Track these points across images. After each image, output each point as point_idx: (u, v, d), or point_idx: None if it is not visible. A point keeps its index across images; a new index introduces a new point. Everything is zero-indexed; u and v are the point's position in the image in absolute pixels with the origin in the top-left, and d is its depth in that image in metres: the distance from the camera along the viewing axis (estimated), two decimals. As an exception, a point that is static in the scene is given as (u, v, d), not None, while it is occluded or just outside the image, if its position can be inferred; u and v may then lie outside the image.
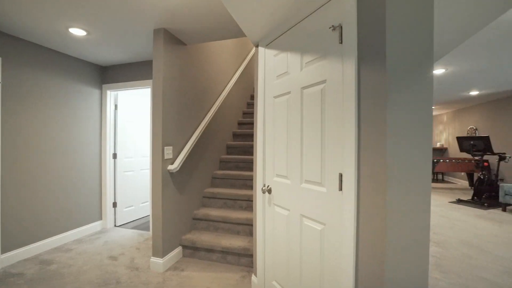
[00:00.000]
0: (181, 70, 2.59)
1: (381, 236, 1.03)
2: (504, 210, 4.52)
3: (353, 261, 1.14)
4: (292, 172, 1.55)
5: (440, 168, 6.43)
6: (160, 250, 2.33)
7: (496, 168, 5.43)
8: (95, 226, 3.35)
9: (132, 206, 3.79)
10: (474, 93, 5.34)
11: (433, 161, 6.40)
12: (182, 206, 2.64)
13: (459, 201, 5.14)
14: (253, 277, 2.03)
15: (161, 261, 2.32)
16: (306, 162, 1.44)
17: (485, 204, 4.78)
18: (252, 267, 2.40)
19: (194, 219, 2.83)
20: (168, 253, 2.41)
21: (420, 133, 1.05)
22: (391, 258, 1.03)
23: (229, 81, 3.85)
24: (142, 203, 3.98)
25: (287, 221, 1.60)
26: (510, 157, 5.42)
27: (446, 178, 8.39)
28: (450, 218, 4.07)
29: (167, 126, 2.39)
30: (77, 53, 2.99)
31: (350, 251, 1.15)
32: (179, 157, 2.49)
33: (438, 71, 3.77)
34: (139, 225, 3.64)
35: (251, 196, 2.84)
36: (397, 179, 1.03)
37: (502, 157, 5.18)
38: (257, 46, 1.99)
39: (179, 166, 2.43)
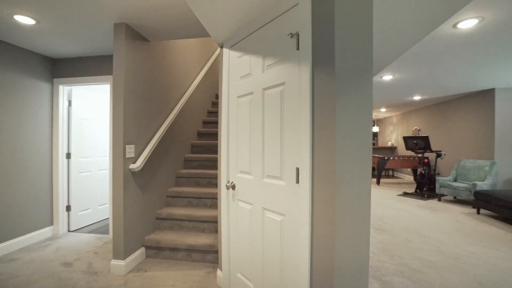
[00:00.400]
0: (144, 66, 2.53)
1: (331, 221, 1.17)
2: (440, 200, 5.19)
3: (309, 246, 1.27)
4: (255, 168, 1.64)
5: (390, 165, 7.12)
6: (122, 252, 2.26)
7: (434, 164, 6.20)
8: (45, 232, 3.09)
9: (88, 209, 3.56)
10: (417, 98, 6.03)
11: (384, 159, 7.07)
12: (145, 206, 2.58)
13: (405, 194, 5.77)
14: (218, 271, 2.09)
15: (123, 263, 2.25)
16: (267, 158, 1.54)
17: (425, 195, 5.44)
18: (217, 263, 2.45)
19: (157, 218, 2.78)
20: (130, 255, 2.35)
21: (362, 132, 1.21)
22: (339, 239, 1.17)
23: (194, 79, 3.83)
24: (100, 205, 3.76)
25: (250, 215, 1.69)
26: (445, 154, 6.22)
27: (395, 174, 9.30)
28: (396, 209, 4.56)
29: (129, 124, 2.32)
30: (24, 43, 2.73)
31: (306, 237, 1.27)
32: (141, 156, 2.44)
33: (387, 77, 4.20)
34: (97, 228, 3.44)
35: (216, 194, 2.88)
36: (344, 171, 1.17)
37: (438, 154, 5.92)
38: (221, 47, 2.05)
39: (142, 165, 2.38)
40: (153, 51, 2.70)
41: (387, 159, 7.04)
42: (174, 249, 2.51)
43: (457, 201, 5.23)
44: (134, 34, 2.38)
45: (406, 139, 5.81)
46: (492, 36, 2.62)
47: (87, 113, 3.53)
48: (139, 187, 2.48)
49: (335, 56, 1.16)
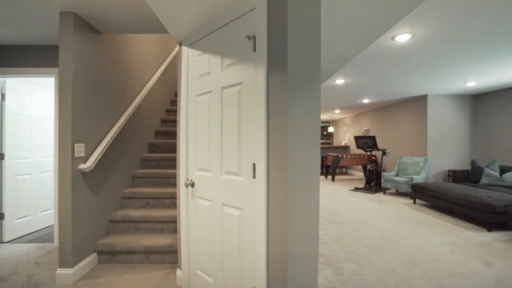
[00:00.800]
0: (95, 60, 2.37)
1: (285, 213, 1.27)
2: (385, 193, 5.79)
3: (265, 237, 1.35)
4: (214, 165, 1.67)
5: (344, 162, 7.70)
6: (70, 260, 2.10)
7: (380, 161, 6.87)
8: (-28, 244, 2.69)
9: (28, 216, 3.20)
10: (366, 101, 6.63)
11: (338, 157, 7.60)
12: (97, 208, 2.42)
13: (356, 189, 6.30)
14: (178, 271, 2.07)
15: (71, 271, 2.09)
16: (225, 155, 1.59)
17: (373, 189, 6.02)
18: (177, 263, 2.41)
19: (112, 221, 2.63)
20: (79, 262, 2.18)
21: (312, 130, 1.33)
22: (292, 229, 1.27)
23: (152, 76, 3.70)
24: (43, 211, 3.40)
25: (210, 211, 1.72)
26: (389, 152, 6.94)
27: (348, 171, 10.07)
28: (348, 203, 4.97)
29: (78, 121, 2.16)
30: None
31: (262, 229, 1.35)
32: (93, 155, 2.29)
33: (339, 80, 4.56)
34: (39, 237, 3.11)
35: (176, 193, 2.83)
36: (296, 166, 1.28)
37: (384, 152, 6.59)
38: (180, 44, 2.04)
39: (93, 165, 2.23)
40: (107, 44, 2.55)
41: (341, 157, 7.59)
42: (130, 252, 2.40)
43: (398, 193, 5.89)
44: (84, 24, 2.22)
45: (356, 138, 6.35)
46: (422, 50, 3.04)
47: (26, 109, 3.17)
48: (90, 189, 2.32)
49: (287, 60, 1.26)
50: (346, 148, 10.12)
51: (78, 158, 2.15)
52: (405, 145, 6.51)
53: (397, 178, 5.52)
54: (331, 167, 7.61)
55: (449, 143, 5.76)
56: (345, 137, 10.42)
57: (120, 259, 2.40)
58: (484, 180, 4.62)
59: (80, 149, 2.17)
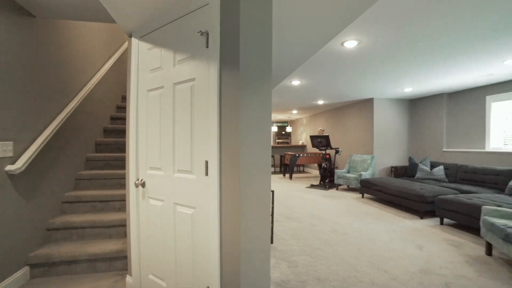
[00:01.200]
0: (27, 46, 2.09)
1: (237, 209, 1.27)
2: (337, 189, 6.21)
3: (218, 235, 1.34)
4: (165, 164, 1.61)
5: (301, 161, 8.04)
6: (-7, 275, 1.82)
7: (334, 159, 7.35)
8: None
9: None
10: (321, 102, 7.02)
11: (295, 156, 7.92)
12: (30, 215, 2.14)
13: (312, 186, 6.63)
14: (127, 277, 1.94)
15: (-5, 289, 1.81)
16: (178, 153, 1.54)
17: (327, 186, 6.40)
18: (127, 269, 2.26)
19: (49, 229, 2.35)
20: (4, 280, 1.91)
21: (263, 128, 1.37)
22: (245, 225, 1.29)
23: (100, 70, 3.40)
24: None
25: (162, 211, 1.64)
26: (341, 151, 7.44)
27: (306, 169, 10.55)
28: (304, 199, 5.21)
29: (4, 116, 1.88)
30: None
31: (215, 226, 1.34)
32: (24, 155, 2.02)
33: (296, 82, 4.75)
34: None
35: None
36: (248, 163, 1.30)
37: (337, 151, 7.06)
38: (130, 36, 1.91)
39: (25, 166, 1.97)
40: (42, 31, 2.27)
41: (298, 156, 7.92)
42: (72, 262, 2.17)
43: (350, 189, 6.36)
44: (12, 4, 1.94)
45: (312, 138, 6.70)
46: (368, 56, 3.34)
47: None
48: (21, 193, 2.04)
49: (240, 57, 1.27)
50: (303, 147, 10.59)
51: (4, 158, 1.88)
52: (355, 144, 7.07)
53: (348, 175, 5.96)
54: (289, 165, 7.89)
55: (391, 142, 6.41)
56: (302, 136, 10.90)
57: (59, 270, 2.16)
58: (418, 174, 5.25)
59: (7, 148, 1.89)
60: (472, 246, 2.85)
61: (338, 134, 8.01)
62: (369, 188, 5.01)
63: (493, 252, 2.69)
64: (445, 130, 5.66)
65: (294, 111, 9.01)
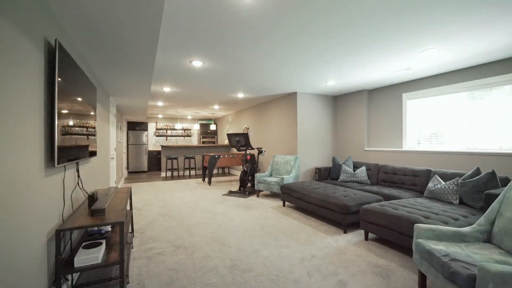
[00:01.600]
0: None
1: None
2: (258, 195, 5.32)
3: None
4: None
5: (221, 163, 6.95)
6: None
7: (256, 161, 6.49)
8: None
9: None
10: (241, 95, 6.06)
11: (214, 157, 6.78)
12: None
13: (230, 193, 5.60)
14: None
15: None
16: None
17: (247, 192, 5.46)
18: None
19: None
20: None
21: None
22: None
23: None
24: None
25: None
26: (265, 151, 6.64)
27: (231, 171, 9.55)
28: (212, 213, 4.09)
29: None
30: None
31: None
32: None
33: (197, 63, 3.58)
34: None
35: None
36: None
37: (260, 151, 6.21)
38: None
39: None
40: None
41: (217, 157, 6.82)
42: None
43: (272, 195, 5.55)
44: None
45: (229, 136, 5.68)
46: (281, 31, 2.42)
47: None
48: None
49: None
50: (229, 147, 9.57)
51: None
52: (280, 144, 6.37)
53: (270, 179, 5.13)
54: (207, 168, 6.72)
55: (316, 141, 5.90)
56: (229, 135, 9.87)
57: None
58: (342, 177, 4.76)
59: None
60: (403, 275, 2.19)
61: (263, 132, 7.23)
62: (290, 196, 4.24)
63: (428, 283, 2.07)
64: (366, 128, 5.39)
65: (216, 106, 7.88)
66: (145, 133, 9.86)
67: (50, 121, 1.67)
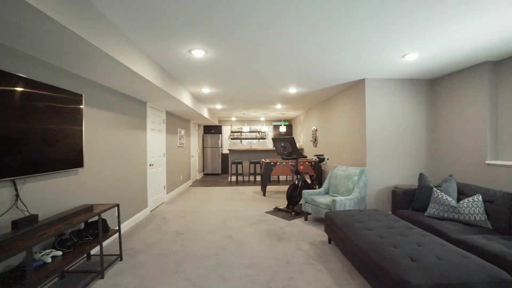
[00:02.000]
0: None
1: None
2: (306, 219, 4.06)
3: None
4: None
5: (277, 171, 5.97)
6: None
7: (314, 172, 5.16)
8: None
9: None
10: (293, 90, 4.92)
11: (270, 164, 5.89)
12: None
13: (275, 210, 4.58)
14: None
15: None
16: None
17: (293, 213, 4.30)
18: None
19: None
20: None
21: None
22: None
23: None
24: None
25: None
26: (328, 159, 5.22)
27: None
28: (231, 239, 3.25)
29: None
30: None
31: None
32: None
33: (198, 53, 2.84)
34: None
35: None
36: None
37: (321, 159, 4.88)
38: None
39: None
40: None
41: (273, 164, 5.87)
42: None
43: (322, 220, 4.12)
44: None
45: (274, 141, 4.63)
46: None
47: None
48: None
49: None
50: (301, 150, 8.40)
51: None
52: (344, 151, 4.81)
53: (320, 199, 3.80)
54: (262, 177, 5.90)
55: (395, 147, 4.04)
56: (300, 138, 8.71)
57: None
58: (432, 209, 2.89)
59: None
60: None
61: (327, 136, 5.77)
62: (333, 231, 2.86)
63: None
64: (490, 126, 3.18)
65: (278, 106, 6.95)
66: (220, 136, 10.03)
67: None
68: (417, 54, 2.93)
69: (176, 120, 6.36)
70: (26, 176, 1.95)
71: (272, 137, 8.53)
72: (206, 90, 4.87)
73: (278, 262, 2.64)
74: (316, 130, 6.63)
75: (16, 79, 1.86)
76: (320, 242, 3.17)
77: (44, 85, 2.11)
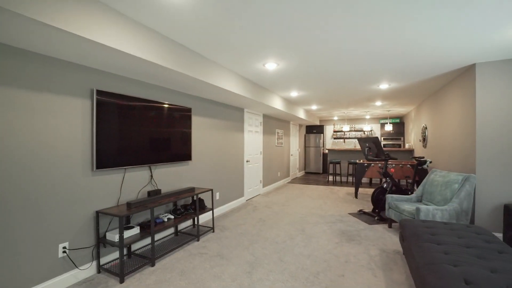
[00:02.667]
0: None
1: None
2: (390, 226, 3.72)
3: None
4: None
5: (372, 173, 5.56)
6: None
7: (413, 176, 4.49)
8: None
9: None
10: (384, 86, 4.50)
11: (363, 165, 5.59)
12: None
13: (360, 212, 4.41)
14: None
15: None
16: None
17: (377, 218, 4.01)
18: None
19: None
20: None
21: None
22: None
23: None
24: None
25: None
26: (430, 162, 4.47)
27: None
28: (306, 234, 3.53)
29: None
30: None
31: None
32: None
33: (270, 65, 3.30)
34: None
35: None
36: None
37: (421, 162, 4.28)
38: None
39: None
40: None
41: (367, 165, 5.52)
42: None
43: (422, 230, 3.61)
44: None
45: (360, 141, 4.39)
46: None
47: None
48: None
49: None
50: (411, 151, 7.28)
51: None
52: (452, 152, 3.95)
53: (404, 206, 3.41)
54: (355, 178, 5.67)
55: (523, 150, 3.02)
56: (411, 137, 7.51)
57: None
58: (561, 236, 2.09)
59: None
60: None
61: (435, 135, 4.84)
62: (403, 242, 2.61)
63: None
64: None
65: (378, 103, 6.36)
66: (322, 135, 10.10)
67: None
68: (537, 27, 2.19)
69: (274, 122, 7.08)
70: (156, 164, 3.07)
71: (360, 136, 7.85)
72: (294, 93, 5.27)
73: (337, 259, 2.74)
74: (426, 128, 5.63)
75: (162, 104, 2.99)
76: (393, 251, 2.93)
77: (173, 106, 3.21)
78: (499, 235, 3.16)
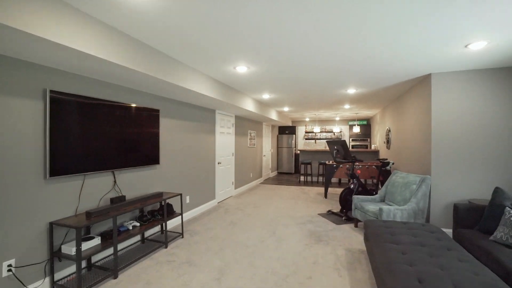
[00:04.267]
0: None
1: None
2: (356, 225, 3.90)
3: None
4: None
5: (341, 174, 5.79)
6: None
7: (377, 176, 4.77)
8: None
9: None
10: (351, 91, 4.70)
11: (332, 167, 5.79)
12: None
13: (329, 213, 4.56)
14: None
15: None
16: None
17: (344, 218, 4.18)
18: None
19: None
20: None
21: None
22: None
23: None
24: None
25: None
26: (392, 164, 4.75)
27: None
28: (277, 236, 3.56)
29: None
30: None
31: None
32: None
33: (241, 68, 3.28)
34: None
35: None
36: None
37: (384, 164, 4.53)
38: None
39: None
40: None
41: (336, 167, 5.74)
42: None
43: (384, 228, 3.84)
44: None
45: (328, 144, 4.56)
46: None
47: None
48: None
49: None
50: (376, 153, 7.71)
51: None
52: (412, 154, 4.25)
53: (369, 206, 3.60)
54: (324, 178, 5.87)
55: (470, 153, 3.34)
56: (377, 138, 7.96)
57: None
58: (499, 232, 2.35)
59: None
60: None
61: (397, 138, 5.18)
62: (367, 242, 2.75)
63: None
64: None
65: (347, 106, 6.64)
66: (294, 136, 10.30)
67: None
68: (485, 42, 2.42)
69: (247, 123, 7.07)
70: (120, 169, 2.90)
71: (330, 138, 8.18)
72: (266, 96, 5.30)
73: (305, 261, 2.80)
74: (389, 130, 6.00)
75: (127, 105, 2.81)
76: (358, 250, 3.08)
77: (139, 107, 3.04)
78: (450, 231, 3.46)
